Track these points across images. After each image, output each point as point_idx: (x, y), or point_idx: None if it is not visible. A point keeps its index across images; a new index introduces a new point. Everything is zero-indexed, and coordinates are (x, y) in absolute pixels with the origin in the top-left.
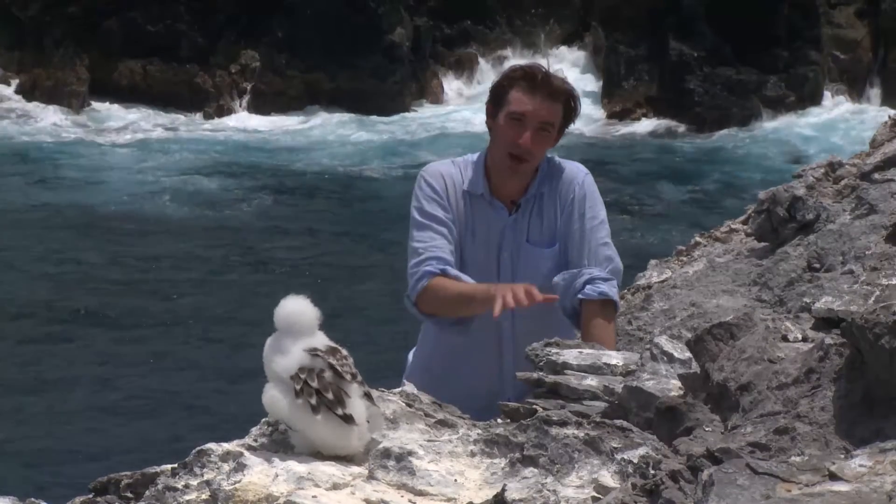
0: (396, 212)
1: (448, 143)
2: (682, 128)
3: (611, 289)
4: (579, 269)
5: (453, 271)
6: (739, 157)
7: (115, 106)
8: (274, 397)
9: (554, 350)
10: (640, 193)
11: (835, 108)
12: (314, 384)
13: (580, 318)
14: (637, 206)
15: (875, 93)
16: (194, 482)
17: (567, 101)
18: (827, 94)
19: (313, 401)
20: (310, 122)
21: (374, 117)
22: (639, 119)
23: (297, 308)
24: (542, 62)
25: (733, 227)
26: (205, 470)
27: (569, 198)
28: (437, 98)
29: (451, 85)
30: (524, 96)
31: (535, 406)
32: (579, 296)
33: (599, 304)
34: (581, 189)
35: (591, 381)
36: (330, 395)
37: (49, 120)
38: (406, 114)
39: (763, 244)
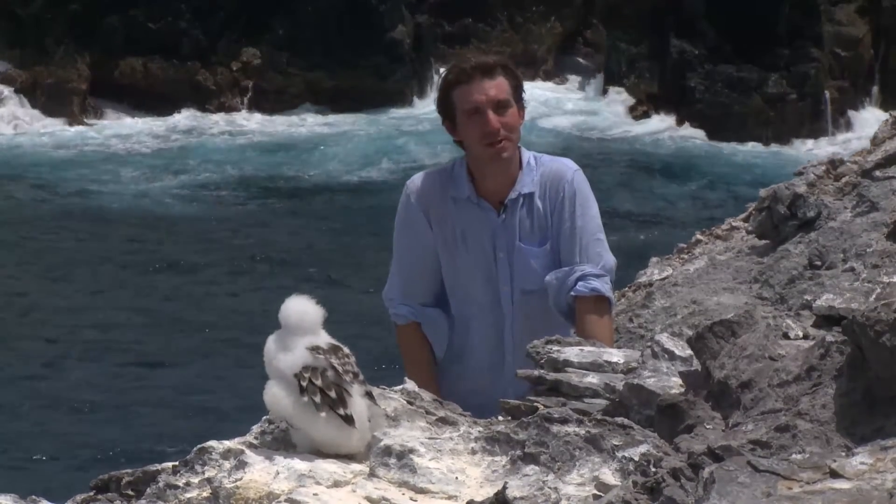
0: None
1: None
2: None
3: (603, 285)
4: (571, 266)
5: (426, 323)
6: (743, 162)
7: (116, 105)
8: (276, 395)
9: (555, 348)
10: (641, 192)
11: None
12: (318, 382)
13: (575, 315)
14: (638, 204)
15: (875, 90)
16: (195, 480)
17: (507, 72)
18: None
19: (317, 398)
20: (311, 122)
21: (375, 116)
22: (640, 116)
23: (302, 307)
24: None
25: (734, 224)
26: (206, 468)
27: (559, 196)
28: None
29: None
30: (465, 89)
31: (536, 404)
32: (571, 293)
33: (592, 300)
34: (571, 186)
35: (592, 379)
36: (333, 394)
37: (49, 120)
38: (408, 109)
39: (764, 242)
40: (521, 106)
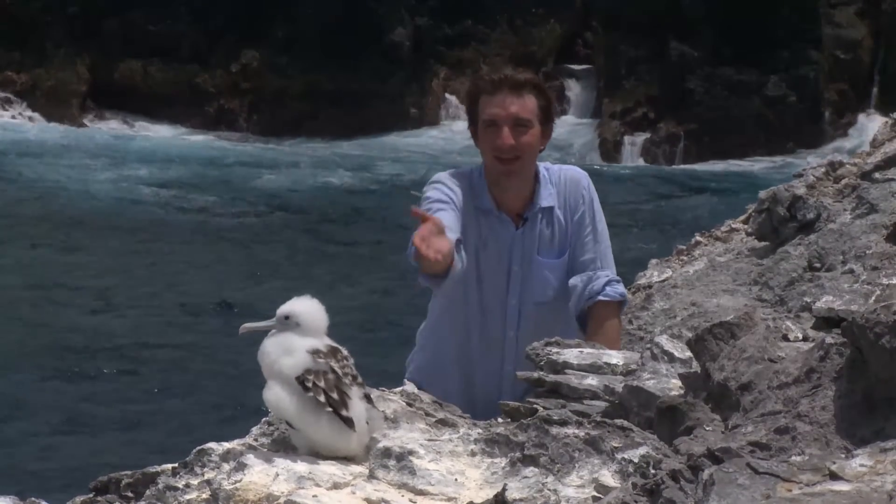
0: (394, 221)
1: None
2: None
3: (623, 290)
4: (594, 270)
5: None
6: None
7: (116, 107)
8: (278, 395)
9: (554, 349)
10: (639, 193)
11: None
12: (321, 384)
13: (587, 319)
14: (637, 205)
15: (875, 92)
16: (195, 481)
17: (537, 91)
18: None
19: (322, 398)
20: (311, 130)
21: (374, 136)
22: (640, 118)
23: (312, 309)
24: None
25: (734, 226)
26: (205, 469)
27: (578, 204)
28: (437, 100)
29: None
30: (488, 100)
31: (535, 405)
32: (600, 296)
33: (616, 305)
34: (588, 193)
35: (591, 381)
36: (335, 396)
37: (49, 123)
38: (408, 131)
39: (764, 243)
40: (547, 127)
